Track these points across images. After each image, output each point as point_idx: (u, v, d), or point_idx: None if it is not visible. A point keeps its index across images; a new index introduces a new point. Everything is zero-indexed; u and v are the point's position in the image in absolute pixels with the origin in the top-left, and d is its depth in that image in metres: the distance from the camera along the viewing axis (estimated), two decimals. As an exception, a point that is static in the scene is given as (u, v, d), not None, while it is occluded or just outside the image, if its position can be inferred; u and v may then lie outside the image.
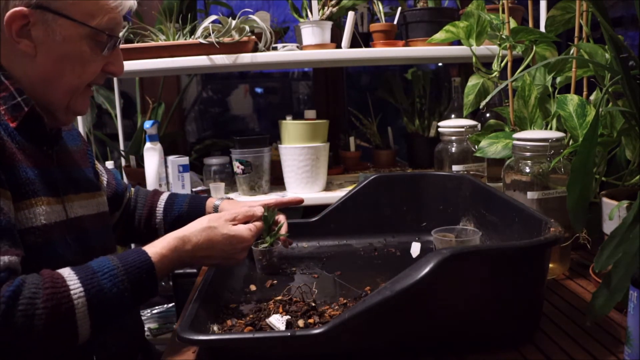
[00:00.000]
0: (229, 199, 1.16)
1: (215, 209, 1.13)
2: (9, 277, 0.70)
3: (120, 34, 0.92)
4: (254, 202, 1.09)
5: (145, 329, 1.63)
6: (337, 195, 1.50)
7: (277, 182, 1.67)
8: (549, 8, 1.53)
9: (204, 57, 1.48)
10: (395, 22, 1.64)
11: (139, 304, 0.81)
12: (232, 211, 0.96)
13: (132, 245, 1.59)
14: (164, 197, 1.19)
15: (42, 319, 0.69)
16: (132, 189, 1.22)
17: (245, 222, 0.96)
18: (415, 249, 1.16)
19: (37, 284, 0.71)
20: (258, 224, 0.98)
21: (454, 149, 1.38)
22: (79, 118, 1.57)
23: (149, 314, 1.91)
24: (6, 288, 0.68)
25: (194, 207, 1.16)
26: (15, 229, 0.77)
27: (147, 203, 1.18)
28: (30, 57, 0.84)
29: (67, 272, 0.75)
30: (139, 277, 0.78)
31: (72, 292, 0.72)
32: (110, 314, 0.76)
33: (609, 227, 0.96)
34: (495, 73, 1.35)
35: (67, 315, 0.71)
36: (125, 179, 1.90)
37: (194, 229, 0.88)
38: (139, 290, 0.78)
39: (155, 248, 0.83)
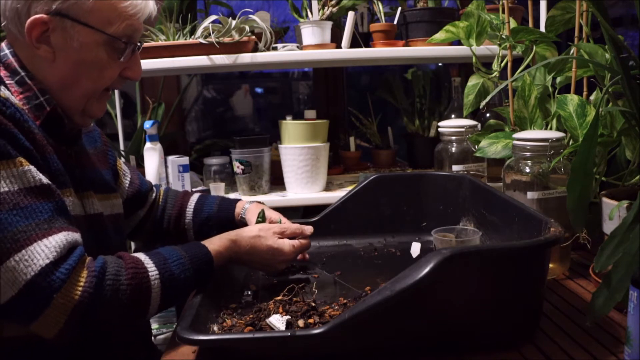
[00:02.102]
0: (259, 202, 1.17)
1: (243, 213, 1.14)
2: (81, 250, 0.78)
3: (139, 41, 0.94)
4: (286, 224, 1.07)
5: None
6: (337, 195, 1.50)
7: (277, 182, 1.67)
8: (549, 8, 1.53)
9: (204, 57, 1.48)
10: (395, 22, 1.64)
11: (196, 289, 0.89)
12: (283, 225, 1.04)
13: (133, 249, 1.59)
14: (194, 198, 1.20)
15: (126, 294, 0.78)
16: (161, 189, 1.23)
17: (293, 237, 1.02)
18: (415, 249, 1.16)
19: (119, 263, 0.80)
20: (304, 241, 1.04)
21: (454, 149, 1.38)
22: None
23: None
24: (93, 263, 0.77)
25: (223, 208, 1.17)
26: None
27: (176, 203, 1.19)
28: (49, 61, 0.86)
29: (143, 257, 0.84)
30: (201, 267, 0.88)
31: (150, 273, 0.81)
32: (176, 296, 0.85)
33: (609, 227, 0.96)
34: (495, 73, 1.35)
35: (145, 293, 0.80)
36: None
37: (244, 235, 0.97)
38: (200, 278, 0.88)
39: (213, 245, 0.92)
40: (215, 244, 0.92)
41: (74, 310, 0.73)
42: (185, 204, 1.19)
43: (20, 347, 0.82)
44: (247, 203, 1.16)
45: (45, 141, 0.83)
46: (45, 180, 0.79)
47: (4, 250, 0.72)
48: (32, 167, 0.78)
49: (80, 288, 0.74)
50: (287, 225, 1.04)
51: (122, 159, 1.91)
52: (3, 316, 0.77)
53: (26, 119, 0.81)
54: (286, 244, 0.99)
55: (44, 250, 0.73)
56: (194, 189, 1.62)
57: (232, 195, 1.64)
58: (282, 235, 1.01)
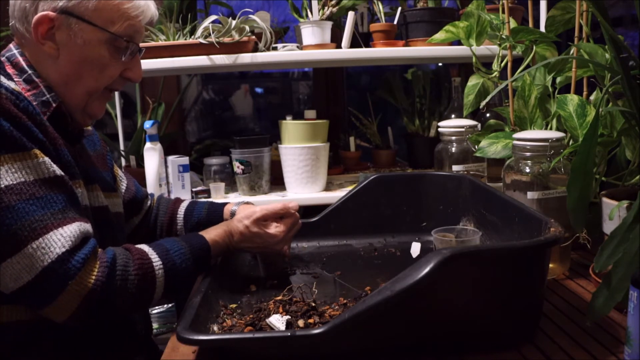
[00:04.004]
0: (246, 203, 1.18)
1: (232, 214, 1.14)
2: (94, 242, 0.82)
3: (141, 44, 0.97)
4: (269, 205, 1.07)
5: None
6: (337, 195, 1.50)
7: (277, 182, 1.67)
8: (549, 8, 1.53)
9: (204, 57, 1.48)
10: (395, 22, 1.64)
11: (196, 276, 0.95)
12: (264, 209, 1.03)
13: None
14: (184, 205, 1.22)
15: (134, 283, 0.83)
16: (155, 197, 1.25)
17: (279, 218, 1.04)
18: (415, 249, 1.16)
19: (127, 255, 0.84)
20: (288, 221, 1.04)
21: (454, 149, 1.38)
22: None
23: (149, 314, 1.91)
24: (105, 255, 0.82)
25: (212, 212, 1.18)
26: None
27: (168, 211, 1.21)
28: (54, 58, 0.89)
29: (146, 248, 0.89)
30: (200, 257, 0.93)
31: (154, 264, 0.86)
32: (177, 284, 0.90)
33: (609, 227, 0.96)
34: (495, 73, 1.35)
35: (150, 283, 0.85)
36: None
37: (234, 225, 1.01)
38: (199, 267, 0.94)
39: (210, 235, 0.98)
40: (211, 233, 0.98)
41: (87, 297, 0.78)
42: (176, 211, 1.20)
43: (19, 334, 0.83)
44: (235, 205, 1.16)
45: (56, 134, 0.86)
46: (58, 171, 0.82)
47: (22, 238, 0.75)
48: (46, 159, 0.81)
49: (93, 277, 0.78)
50: (267, 208, 1.03)
51: (122, 164, 1.93)
52: (16, 300, 0.79)
53: (38, 112, 0.84)
54: (271, 227, 1.02)
55: (60, 239, 0.77)
56: (193, 189, 1.63)
57: (232, 195, 1.64)
58: (265, 219, 1.02)
